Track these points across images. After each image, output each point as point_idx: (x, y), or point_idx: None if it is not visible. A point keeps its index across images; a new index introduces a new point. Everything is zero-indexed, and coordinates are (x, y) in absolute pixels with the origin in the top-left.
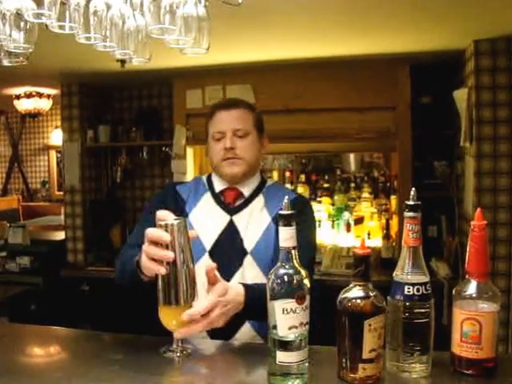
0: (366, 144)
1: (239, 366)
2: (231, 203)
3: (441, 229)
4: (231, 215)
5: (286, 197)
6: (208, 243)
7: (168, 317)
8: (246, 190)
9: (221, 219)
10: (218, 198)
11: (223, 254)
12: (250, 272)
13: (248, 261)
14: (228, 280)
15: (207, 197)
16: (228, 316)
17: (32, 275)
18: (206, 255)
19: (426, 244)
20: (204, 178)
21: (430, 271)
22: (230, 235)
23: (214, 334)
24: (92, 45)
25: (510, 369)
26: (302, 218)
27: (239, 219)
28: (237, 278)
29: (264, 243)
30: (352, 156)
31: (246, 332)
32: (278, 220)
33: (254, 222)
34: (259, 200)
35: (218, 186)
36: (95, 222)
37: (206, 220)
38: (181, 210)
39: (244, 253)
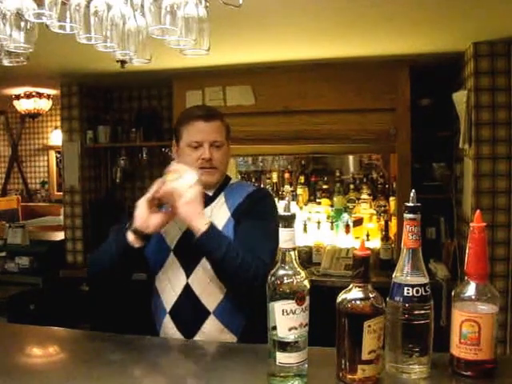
0: (365, 145)
1: (239, 367)
2: None
3: (439, 230)
4: None
5: (286, 198)
6: (172, 243)
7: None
8: (210, 191)
9: None
10: None
11: (186, 250)
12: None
13: None
14: (190, 273)
15: None
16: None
17: (31, 275)
18: (171, 254)
19: (424, 245)
20: None
21: (428, 273)
22: (192, 232)
23: (180, 325)
24: (92, 45)
25: (509, 370)
26: (258, 208)
27: None
28: (198, 270)
29: None
30: (351, 157)
31: (212, 325)
32: (237, 215)
33: (214, 218)
34: (220, 198)
35: None
36: (95, 223)
37: (171, 223)
38: None
39: None
